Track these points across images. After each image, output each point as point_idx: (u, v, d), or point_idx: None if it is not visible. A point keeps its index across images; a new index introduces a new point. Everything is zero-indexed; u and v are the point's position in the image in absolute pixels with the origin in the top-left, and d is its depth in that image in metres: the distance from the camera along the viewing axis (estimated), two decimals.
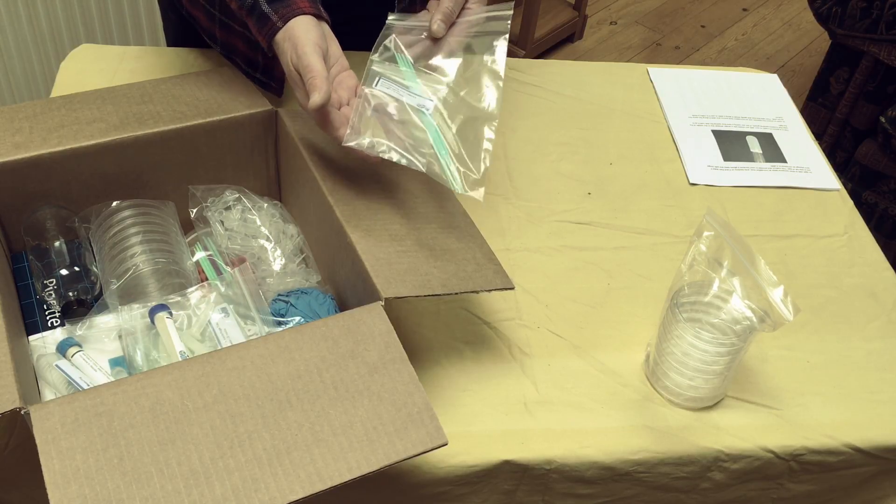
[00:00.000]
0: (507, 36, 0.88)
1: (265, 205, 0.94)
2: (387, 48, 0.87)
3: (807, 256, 1.06)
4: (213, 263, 0.90)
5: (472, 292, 0.81)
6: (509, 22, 0.89)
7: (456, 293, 0.78)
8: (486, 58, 0.88)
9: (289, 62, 0.83)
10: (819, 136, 2.11)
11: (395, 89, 0.85)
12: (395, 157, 0.80)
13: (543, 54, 2.81)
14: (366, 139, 0.80)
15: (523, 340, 0.91)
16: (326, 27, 0.86)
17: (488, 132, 0.84)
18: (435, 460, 0.79)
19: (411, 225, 0.84)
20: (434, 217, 0.86)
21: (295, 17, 0.84)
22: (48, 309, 0.85)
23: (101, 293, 0.85)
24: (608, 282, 0.99)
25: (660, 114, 1.26)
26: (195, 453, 0.62)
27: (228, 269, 0.89)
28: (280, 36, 0.84)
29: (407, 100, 0.85)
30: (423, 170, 0.80)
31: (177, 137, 0.90)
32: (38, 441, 0.61)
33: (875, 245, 1.09)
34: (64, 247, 0.87)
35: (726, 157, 1.19)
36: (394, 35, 0.88)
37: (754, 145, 1.22)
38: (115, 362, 0.80)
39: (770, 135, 1.24)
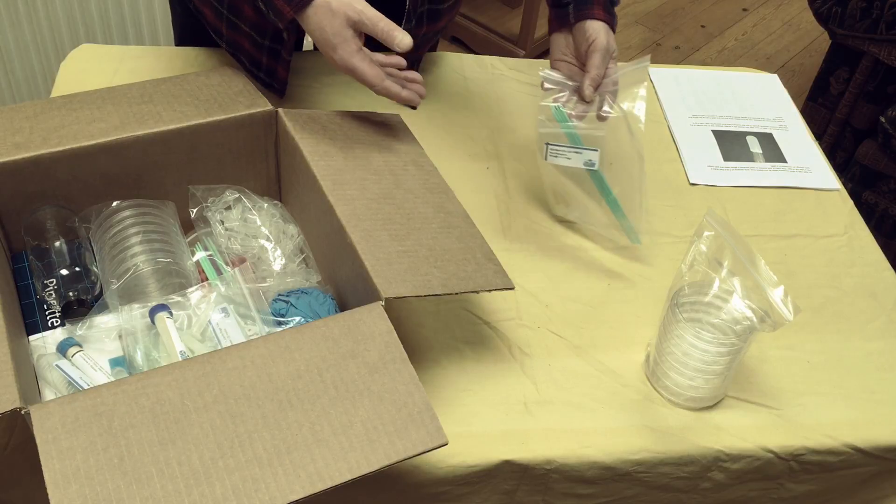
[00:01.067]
0: (646, 84, 1.00)
1: (265, 205, 0.94)
2: (547, 109, 0.98)
3: (807, 256, 1.06)
4: (214, 263, 0.90)
5: (472, 292, 0.81)
6: (647, 70, 1.02)
7: (456, 293, 0.78)
8: (628, 104, 0.98)
9: (342, 23, 0.85)
10: (819, 136, 2.11)
11: (564, 153, 0.97)
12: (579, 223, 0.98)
13: (543, 54, 2.80)
14: (572, 213, 0.97)
15: (523, 340, 0.91)
16: None
17: (640, 175, 0.93)
18: (435, 460, 0.79)
19: (411, 225, 0.84)
20: (434, 217, 0.86)
21: None
22: (48, 309, 0.85)
23: (101, 293, 0.85)
24: (608, 282, 0.99)
25: (660, 114, 1.26)
26: (195, 453, 0.62)
27: (229, 268, 0.89)
28: (320, 1, 0.85)
29: (575, 161, 0.97)
30: (611, 238, 0.98)
31: (177, 137, 0.90)
32: (38, 441, 0.61)
33: (875, 245, 1.09)
34: (64, 247, 0.87)
35: (726, 157, 1.19)
36: (551, 89, 0.99)
37: (754, 145, 1.22)
38: (115, 362, 0.80)
39: (770, 135, 1.24)
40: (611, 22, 0.99)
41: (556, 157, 0.96)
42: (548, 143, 0.98)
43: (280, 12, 0.88)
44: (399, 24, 1.06)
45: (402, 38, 0.85)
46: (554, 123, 0.97)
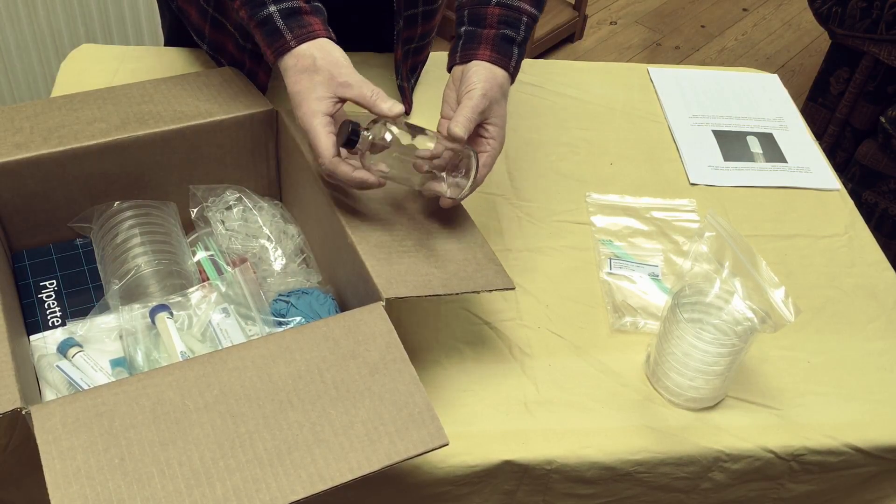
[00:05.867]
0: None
1: (266, 205, 0.94)
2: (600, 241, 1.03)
3: (807, 256, 1.06)
4: (215, 263, 0.90)
5: (473, 292, 0.81)
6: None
7: (456, 293, 0.78)
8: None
9: (322, 80, 0.80)
10: (819, 136, 2.11)
11: (626, 267, 0.99)
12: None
13: (543, 54, 2.81)
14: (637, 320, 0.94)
15: (523, 340, 0.91)
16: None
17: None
18: (436, 460, 0.79)
19: (412, 225, 0.84)
20: (434, 217, 0.86)
21: (311, 39, 0.81)
22: (48, 309, 0.85)
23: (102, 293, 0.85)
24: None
25: (660, 114, 1.26)
26: (196, 453, 0.62)
27: (229, 268, 0.89)
28: (303, 50, 0.81)
29: (639, 274, 0.99)
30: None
31: (177, 137, 0.90)
32: (39, 441, 0.61)
33: (875, 245, 1.09)
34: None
35: (727, 157, 1.19)
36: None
37: (754, 145, 1.22)
38: (115, 363, 0.80)
39: (770, 135, 1.24)
40: (504, 62, 0.86)
41: (619, 270, 0.99)
42: (607, 259, 1.00)
43: (265, 54, 0.84)
44: (390, 24, 1.05)
45: (392, 107, 0.79)
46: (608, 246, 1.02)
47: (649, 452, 0.83)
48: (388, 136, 0.79)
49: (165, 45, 1.26)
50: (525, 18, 0.87)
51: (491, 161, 0.86)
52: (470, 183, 0.81)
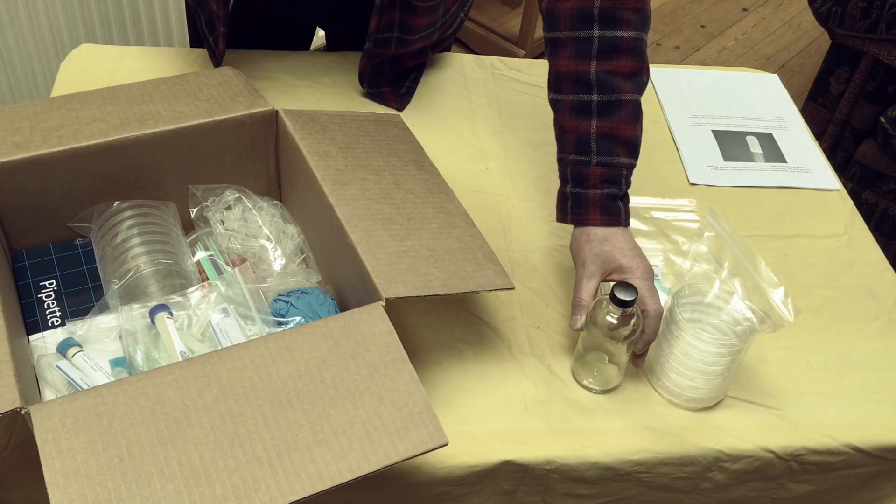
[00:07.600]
0: None
1: (265, 205, 0.94)
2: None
3: (807, 256, 1.06)
4: (214, 263, 0.90)
5: (473, 292, 0.81)
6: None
7: (456, 293, 0.78)
8: None
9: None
10: (819, 136, 2.11)
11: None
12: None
13: (543, 54, 2.81)
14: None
15: (523, 340, 0.91)
16: None
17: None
18: (435, 460, 0.79)
19: (411, 225, 0.84)
20: (434, 217, 0.86)
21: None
22: (48, 308, 0.85)
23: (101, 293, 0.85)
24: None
25: (660, 114, 1.26)
26: (196, 453, 0.62)
27: (229, 268, 0.89)
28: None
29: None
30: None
31: (177, 137, 0.90)
32: (38, 441, 0.61)
33: (875, 245, 1.09)
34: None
35: (726, 157, 1.19)
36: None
37: (754, 145, 1.22)
38: (115, 362, 0.80)
39: (770, 135, 1.24)
40: (614, 220, 0.89)
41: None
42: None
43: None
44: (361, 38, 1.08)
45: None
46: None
47: (649, 452, 0.83)
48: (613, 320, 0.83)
49: (192, 45, 1.26)
50: (624, 171, 0.91)
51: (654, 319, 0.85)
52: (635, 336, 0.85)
